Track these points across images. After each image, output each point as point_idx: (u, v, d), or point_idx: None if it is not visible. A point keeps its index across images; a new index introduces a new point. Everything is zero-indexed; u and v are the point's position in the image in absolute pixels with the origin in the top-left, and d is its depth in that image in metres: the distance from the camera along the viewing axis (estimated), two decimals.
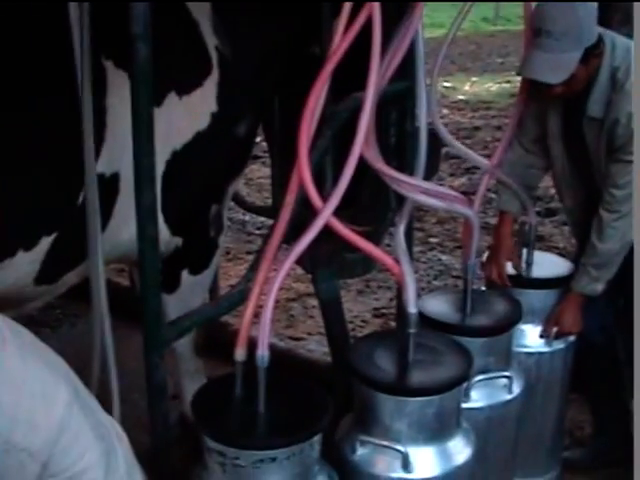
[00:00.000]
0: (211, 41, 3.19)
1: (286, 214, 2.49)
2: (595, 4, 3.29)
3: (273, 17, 3.42)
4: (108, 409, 2.09)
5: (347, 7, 2.61)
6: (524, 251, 3.71)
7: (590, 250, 3.45)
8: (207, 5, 3.20)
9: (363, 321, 5.51)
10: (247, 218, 7.26)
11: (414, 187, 2.61)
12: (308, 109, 2.50)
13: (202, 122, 3.14)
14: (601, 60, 3.33)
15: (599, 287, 3.48)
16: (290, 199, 2.49)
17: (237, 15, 3.30)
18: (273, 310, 2.39)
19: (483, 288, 3.59)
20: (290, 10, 3.46)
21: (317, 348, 4.82)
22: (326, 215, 2.39)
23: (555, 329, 3.52)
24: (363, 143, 2.50)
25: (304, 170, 2.41)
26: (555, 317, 3.53)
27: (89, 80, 2.58)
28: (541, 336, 3.53)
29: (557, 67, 3.22)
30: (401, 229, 2.71)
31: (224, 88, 3.19)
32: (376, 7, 2.50)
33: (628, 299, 3.65)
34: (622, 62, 3.33)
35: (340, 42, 2.58)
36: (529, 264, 3.67)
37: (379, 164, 2.58)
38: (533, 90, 3.58)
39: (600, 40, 3.30)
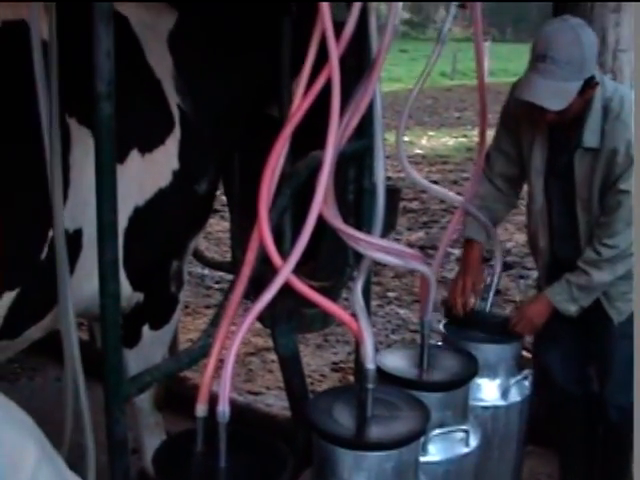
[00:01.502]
0: (173, 99, 3.24)
1: (247, 272, 2.52)
2: (596, 39, 3.37)
3: (234, 77, 3.48)
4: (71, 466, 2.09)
5: (307, 68, 2.67)
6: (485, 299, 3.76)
7: (581, 273, 3.49)
8: (170, 64, 3.26)
9: (322, 375, 5.54)
10: (206, 272, 7.29)
11: (371, 245, 2.65)
12: (269, 169, 2.54)
13: (164, 179, 3.18)
14: (595, 92, 3.39)
15: (573, 309, 3.55)
16: (250, 257, 2.53)
17: (199, 74, 3.36)
18: (234, 365, 2.42)
19: (440, 343, 3.64)
20: (251, 70, 3.53)
21: (276, 402, 4.85)
22: (285, 273, 2.42)
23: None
24: (322, 202, 2.55)
25: (264, 229, 2.45)
26: (522, 309, 3.66)
27: (58, 135, 2.60)
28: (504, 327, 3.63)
29: (557, 94, 3.28)
30: (359, 285, 2.74)
31: (186, 146, 3.24)
32: (335, 69, 2.56)
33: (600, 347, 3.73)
34: (613, 93, 3.42)
35: (300, 103, 2.63)
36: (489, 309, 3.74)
37: (337, 222, 2.63)
38: (507, 128, 3.68)
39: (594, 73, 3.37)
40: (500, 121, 3.80)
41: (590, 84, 3.35)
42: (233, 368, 2.40)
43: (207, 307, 6.58)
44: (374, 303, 6.81)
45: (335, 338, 6.07)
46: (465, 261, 3.82)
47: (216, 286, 7.13)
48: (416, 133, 17.30)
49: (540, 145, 3.60)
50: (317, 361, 5.77)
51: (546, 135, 3.56)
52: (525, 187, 3.84)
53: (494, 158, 3.79)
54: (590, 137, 3.42)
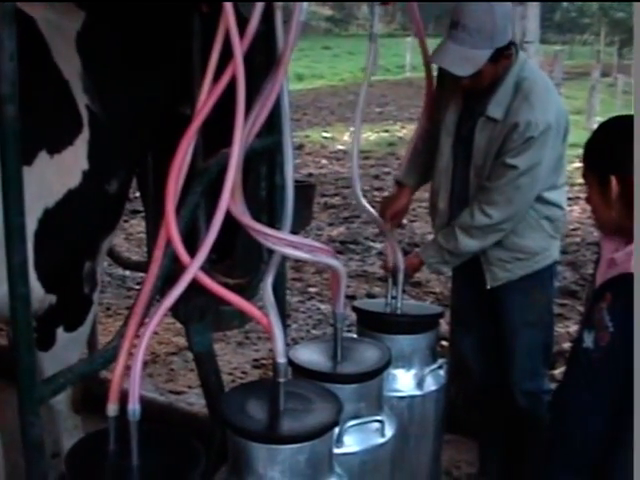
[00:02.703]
0: (82, 100, 3.22)
1: (155, 269, 2.53)
2: (511, 10, 3.48)
3: (144, 76, 3.47)
4: None
5: (212, 66, 2.68)
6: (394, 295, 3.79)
7: (451, 236, 3.62)
8: (78, 64, 3.24)
9: (243, 372, 5.56)
10: (127, 273, 7.26)
11: (280, 240, 2.67)
12: (175, 166, 2.56)
13: (74, 180, 3.16)
14: (511, 62, 3.49)
15: (445, 269, 3.79)
16: (158, 254, 2.54)
17: (108, 74, 3.35)
18: (143, 363, 2.42)
19: (354, 335, 3.67)
20: (162, 69, 3.52)
21: (197, 401, 4.82)
22: (193, 270, 2.44)
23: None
24: (230, 198, 2.56)
25: (171, 226, 2.46)
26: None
27: None
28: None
29: (466, 60, 3.38)
30: (269, 281, 2.75)
31: (95, 146, 3.22)
32: (240, 66, 2.57)
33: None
34: (530, 74, 3.52)
35: (206, 100, 2.65)
36: (398, 309, 3.75)
37: (245, 219, 2.65)
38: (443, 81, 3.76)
39: (512, 43, 3.47)
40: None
41: (504, 53, 3.43)
42: (142, 366, 2.41)
43: (128, 308, 6.53)
44: (295, 299, 6.86)
45: (256, 335, 6.09)
46: (392, 197, 3.97)
47: (137, 287, 7.08)
48: (338, 129, 17.36)
49: (454, 107, 3.68)
50: (238, 358, 5.79)
51: (461, 98, 3.65)
52: None
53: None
54: (495, 108, 3.51)
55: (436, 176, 3.79)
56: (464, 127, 3.65)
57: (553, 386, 3.94)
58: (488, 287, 3.71)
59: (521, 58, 3.54)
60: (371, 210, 3.88)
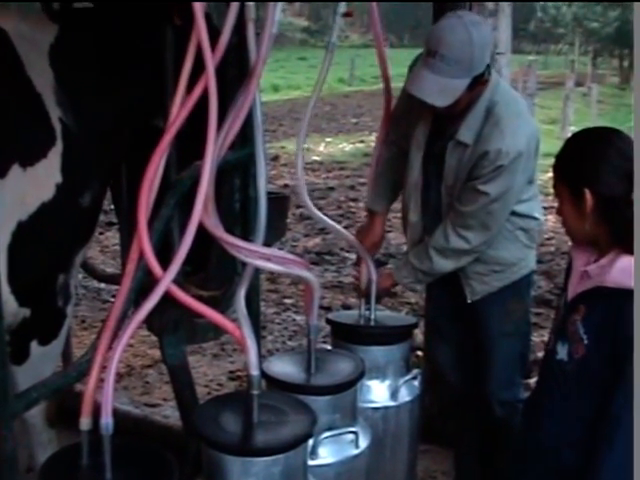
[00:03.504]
0: (55, 113, 3.21)
1: (127, 283, 2.53)
2: (490, 35, 3.46)
3: (118, 89, 3.46)
4: None
5: (184, 78, 2.68)
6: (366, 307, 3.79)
7: (425, 257, 3.61)
8: (51, 77, 3.23)
9: (219, 384, 5.55)
10: (102, 286, 7.23)
11: (253, 252, 2.68)
12: (147, 178, 2.56)
13: (47, 193, 3.15)
14: (485, 88, 3.45)
15: (419, 287, 3.86)
16: (131, 268, 2.53)
17: (82, 87, 3.34)
18: (117, 376, 2.42)
19: (328, 347, 3.67)
20: (135, 82, 3.52)
21: (173, 414, 4.81)
22: (166, 283, 2.44)
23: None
24: (203, 210, 2.57)
25: (143, 239, 2.46)
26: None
27: None
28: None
29: (444, 90, 3.32)
30: (241, 293, 2.76)
31: (69, 159, 3.21)
32: (212, 78, 2.58)
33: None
34: (501, 98, 3.47)
35: (178, 112, 2.65)
36: (372, 320, 3.75)
37: (218, 231, 2.65)
38: (404, 98, 3.71)
39: (487, 68, 3.42)
40: (402, 91, 3.78)
41: (480, 80, 3.40)
42: (116, 378, 2.40)
43: (103, 321, 6.50)
44: (271, 310, 6.86)
45: (232, 347, 6.08)
46: (366, 228, 3.95)
47: (112, 300, 7.02)
48: (314, 140, 17.36)
49: (425, 122, 3.64)
50: (214, 370, 5.79)
51: (431, 115, 3.60)
52: None
53: (397, 120, 3.84)
54: (465, 133, 3.47)
55: (406, 189, 3.77)
56: (436, 145, 3.62)
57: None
58: (469, 301, 3.71)
59: (494, 80, 3.49)
60: (336, 225, 3.89)
